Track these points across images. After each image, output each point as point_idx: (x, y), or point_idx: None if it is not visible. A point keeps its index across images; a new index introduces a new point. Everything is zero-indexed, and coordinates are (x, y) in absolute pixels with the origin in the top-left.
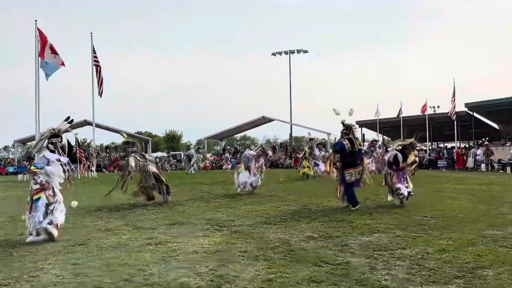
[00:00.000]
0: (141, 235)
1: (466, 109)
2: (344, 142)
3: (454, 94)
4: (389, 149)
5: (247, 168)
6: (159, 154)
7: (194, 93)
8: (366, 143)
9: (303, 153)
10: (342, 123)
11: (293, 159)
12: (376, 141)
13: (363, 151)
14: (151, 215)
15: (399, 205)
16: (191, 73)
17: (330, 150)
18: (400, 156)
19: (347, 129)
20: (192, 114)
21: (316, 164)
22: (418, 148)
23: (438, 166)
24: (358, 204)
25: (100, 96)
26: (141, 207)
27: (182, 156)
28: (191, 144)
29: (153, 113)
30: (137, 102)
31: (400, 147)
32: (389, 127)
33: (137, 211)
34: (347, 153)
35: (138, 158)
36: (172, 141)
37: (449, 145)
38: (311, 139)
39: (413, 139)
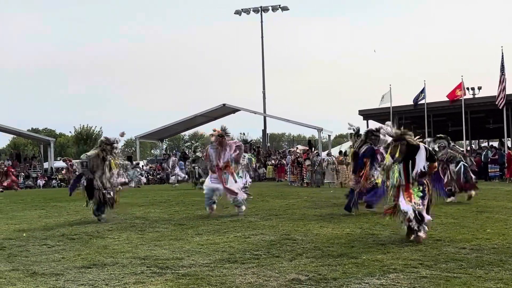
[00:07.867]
0: (37, 286)
1: None
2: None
3: (502, 69)
4: None
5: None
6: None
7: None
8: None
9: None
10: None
11: (271, 167)
12: None
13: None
14: (54, 254)
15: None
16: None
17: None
18: None
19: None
20: (115, 101)
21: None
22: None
23: (490, 175)
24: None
25: None
26: (39, 240)
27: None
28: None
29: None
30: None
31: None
32: (408, 118)
33: (32, 247)
34: None
35: None
36: (86, 142)
37: (495, 143)
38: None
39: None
